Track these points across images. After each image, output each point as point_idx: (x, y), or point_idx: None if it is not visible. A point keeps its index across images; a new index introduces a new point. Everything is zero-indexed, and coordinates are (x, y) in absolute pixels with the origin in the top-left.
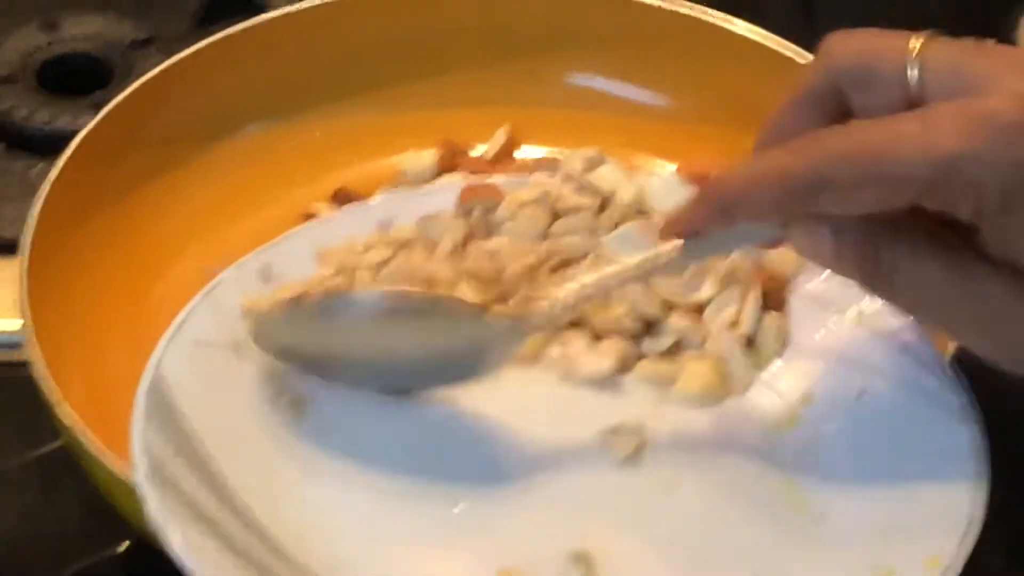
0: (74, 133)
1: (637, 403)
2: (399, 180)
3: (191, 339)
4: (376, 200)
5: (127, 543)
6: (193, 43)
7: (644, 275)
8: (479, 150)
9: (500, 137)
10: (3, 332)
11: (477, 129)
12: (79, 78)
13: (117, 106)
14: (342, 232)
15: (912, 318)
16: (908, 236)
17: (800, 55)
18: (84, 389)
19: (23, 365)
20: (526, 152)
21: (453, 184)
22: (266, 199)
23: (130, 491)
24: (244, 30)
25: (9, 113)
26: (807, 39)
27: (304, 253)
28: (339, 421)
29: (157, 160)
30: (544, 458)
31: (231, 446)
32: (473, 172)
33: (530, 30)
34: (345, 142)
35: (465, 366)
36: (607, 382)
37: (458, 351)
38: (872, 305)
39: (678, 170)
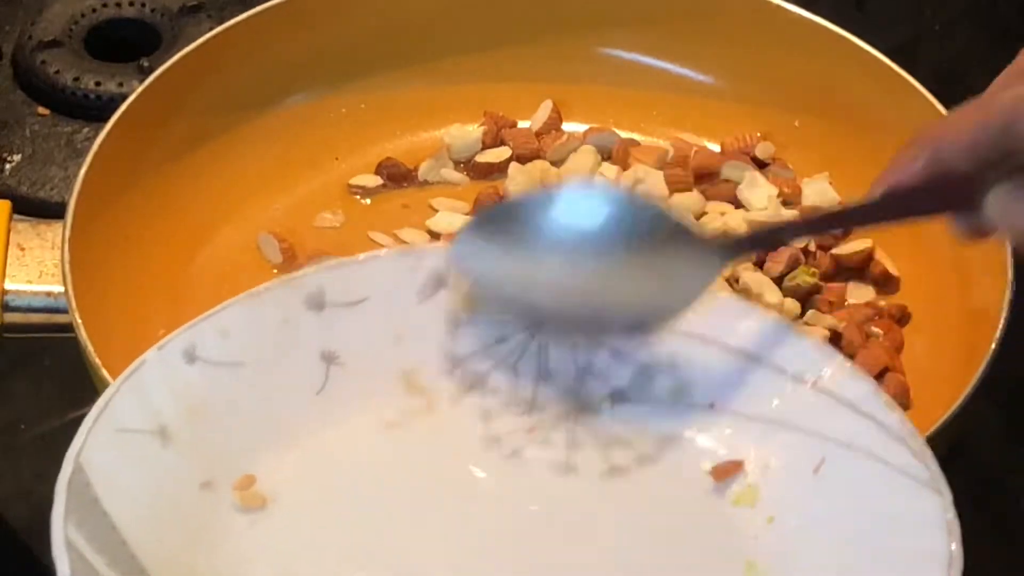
0: (121, 99)
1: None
2: (443, 153)
3: (113, 426)
4: (306, 272)
5: None
6: (242, 11)
7: (828, 227)
8: (523, 125)
9: (545, 110)
10: (46, 295)
11: (520, 103)
12: (127, 44)
13: (165, 72)
14: (269, 310)
15: None
16: None
17: (847, 36)
18: (125, 353)
19: (65, 328)
20: (567, 128)
21: (385, 255)
22: (311, 169)
23: None
24: (293, 0)
25: (56, 78)
26: (855, 22)
27: (232, 332)
28: (282, 525)
29: (203, 128)
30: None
31: (155, 542)
32: (520, 144)
33: (574, 6)
34: (389, 114)
35: (661, 289)
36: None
37: (661, 265)
38: (830, 371)
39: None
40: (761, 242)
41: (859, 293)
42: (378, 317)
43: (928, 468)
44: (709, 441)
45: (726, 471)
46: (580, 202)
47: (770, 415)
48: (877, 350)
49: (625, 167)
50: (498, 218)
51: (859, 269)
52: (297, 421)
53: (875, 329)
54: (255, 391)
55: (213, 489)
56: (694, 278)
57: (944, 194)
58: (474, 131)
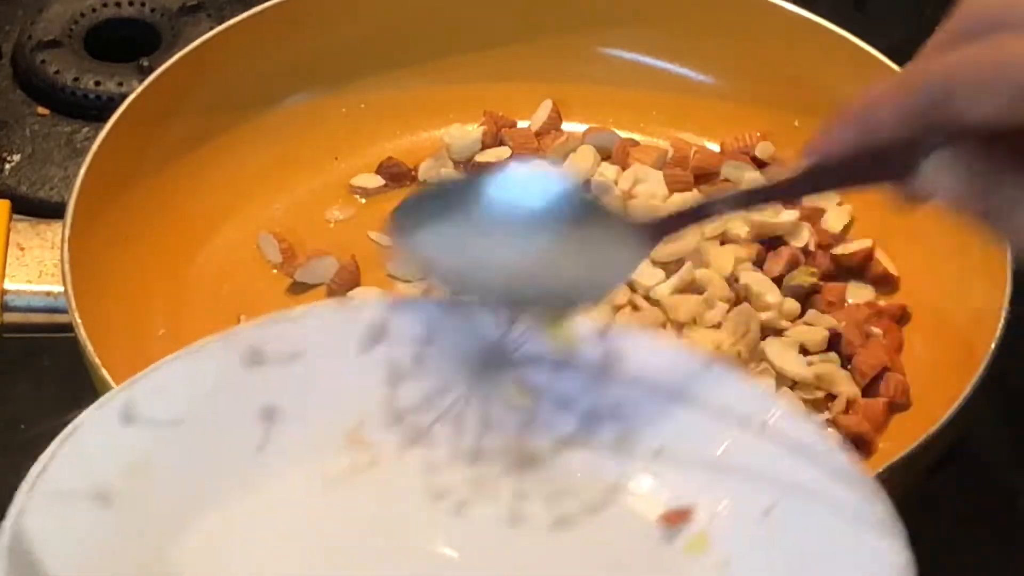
0: (121, 99)
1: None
2: (443, 153)
3: (51, 490)
4: (242, 328)
5: None
6: (242, 11)
7: (755, 200)
8: (522, 125)
9: (545, 110)
10: (46, 295)
11: (520, 103)
12: (127, 44)
13: (164, 72)
14: (207, 367)
15: None
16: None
17: (847, 36)
18: (124, 353)
19: (65, 328)
20: (567, 128)
21: (322, 308)
22: (311, 169)
23: None
24: (293, 0)
25: (56, 78)
26: (855, 22)
27: (169, 390)
28: None
29: (203, 127)
30: None
31: None
32: (520, 144)
33: (574, 6)
34: (389, 114)
35: (591, 268)
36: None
37: (591, 245)
38: (778, 414)
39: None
40: (686, 220)
41: (859, 293)
42: (317, 372)
43: (880, 509)
44: (657, 489)
45: (675, 518)
46: (513, 183)
47: (718, 460)
48: (877, 350)
49: (625, 167)
50: (434, 196)
51: (859, 269)
52: (238, 479)
53: (875, 329)
54: (194, 450)
55: (155, 550)
56: (624, 257)
57: (876, 163)
58: (474, 131)
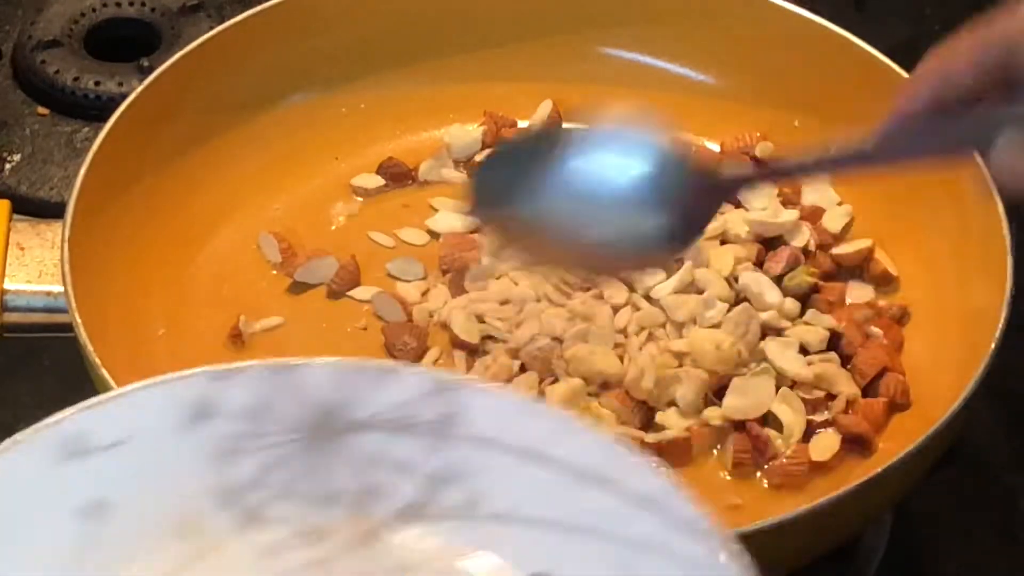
0: (121, 99)
1: None
2: (443, 152)
3: None
4: (58, 417)
5: None
6: (242, 11)
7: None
8: (522, 124)
9: (545, 109)
10: (46, 295)
11: (520, 103)
12: (127, 43)
13: (164, 72)
14: (22, 463)
15: None
16: None
17: (848, 36)
18: (124, 353)
19: (65, 328)
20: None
21: (137, 390)
22: (311, 169)
23: None
24: (293, 0)
25: (56, 78)
26: (855, 22)
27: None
28: None
29: (203, 127)
30: None
31: None
32: None
33: (575, 5)
34: (389, 114)
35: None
36: None
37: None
38: (626, 468)
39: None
40: (764, 176)
41: (859, 293)
42: (139, 458)
43: (735, 562)
44: (505, 555)
45: None
46: (592, 141)
47: (567, 520)
48: (877, 350)
49: None
50: (512, 156)
51: (859, 269)
52: None
53: (875, 329)
54: (11, 555)
55: None
56: (703, 210)
57: (952, 132)
58: (474, 131)
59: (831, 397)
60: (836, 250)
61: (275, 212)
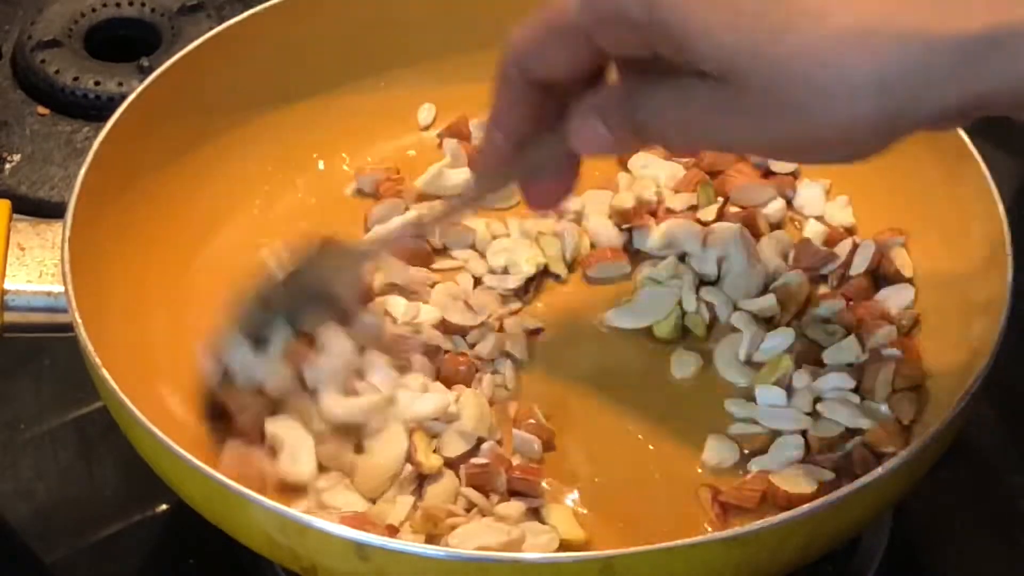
0: (121, 99)
1: None
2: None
3: None
4: None
5: (165, 505)
6: (242, 11)
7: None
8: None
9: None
10: (46, 295)
11: None
12: (127, 43)
13: (165, 72)
14: None
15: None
16: (648, 86)
17: None
18: (125, 353)
19: (65, 328)
20: None
21: None
22: (312, 169)
23: (169, 454)
24: (293, 0)
25: (56, 78)
26: None
27: None
28: None
29: (203, 127)
30: None
31: None
32: None
33: None
34: (389, 114)
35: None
36: None
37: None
38: None
39: None
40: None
41: (897, 298)
42: None
43: None
44: None
45: None
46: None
47: None
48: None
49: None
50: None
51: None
52: None
53: (892, 351)
54: None
55: None
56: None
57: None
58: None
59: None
60: (851, 271)
61: (275, 212)
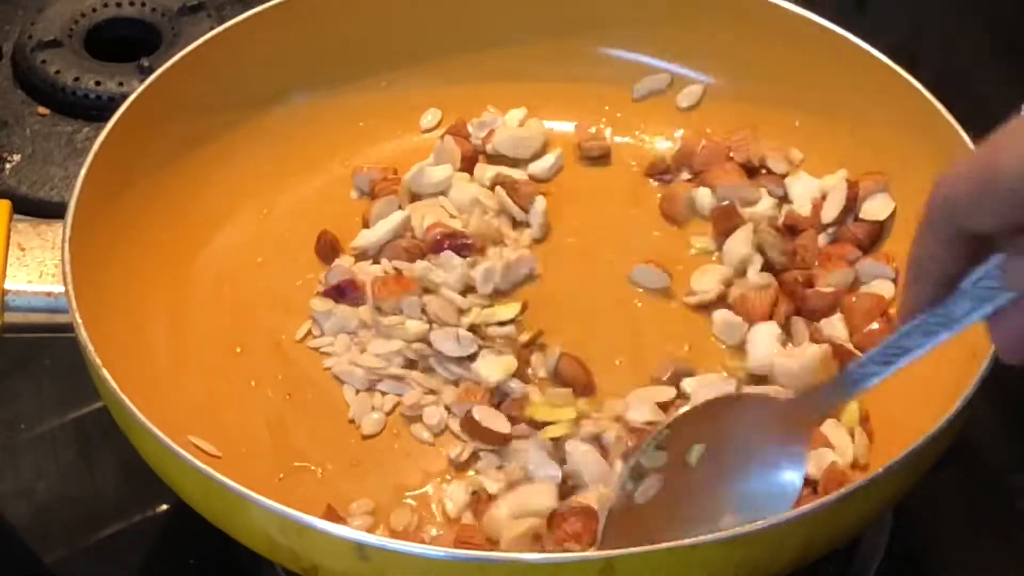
0: (121, 99)
1: None
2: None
3: None
4: None
5: (165, 505)
6: (242, 11)
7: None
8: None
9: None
10: (46, 295)
11: (520, 103)
12: (127, 44)
13: (165, 72)
14: None
15: None
16: None
17: (848, 36)
18: (124, 353)
19: (65, 328)
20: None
21: None
22: (312, 168)
23: (168, 454)
24: (293, 0)
25: (56, 78)
26: (855, 22)
27: None
28: None
29: (204, 127)
30: None
31: None
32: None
33: (574, 5)
34: (389, 114)
35: None
36: None
37: None
38: None
39: None
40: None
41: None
42: None
43: None
44: None
45: None
46: None
47: None
48: None
49: None
50: None
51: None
52: None
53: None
54: None
55: None
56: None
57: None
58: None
59: None
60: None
61: (275, 212)
